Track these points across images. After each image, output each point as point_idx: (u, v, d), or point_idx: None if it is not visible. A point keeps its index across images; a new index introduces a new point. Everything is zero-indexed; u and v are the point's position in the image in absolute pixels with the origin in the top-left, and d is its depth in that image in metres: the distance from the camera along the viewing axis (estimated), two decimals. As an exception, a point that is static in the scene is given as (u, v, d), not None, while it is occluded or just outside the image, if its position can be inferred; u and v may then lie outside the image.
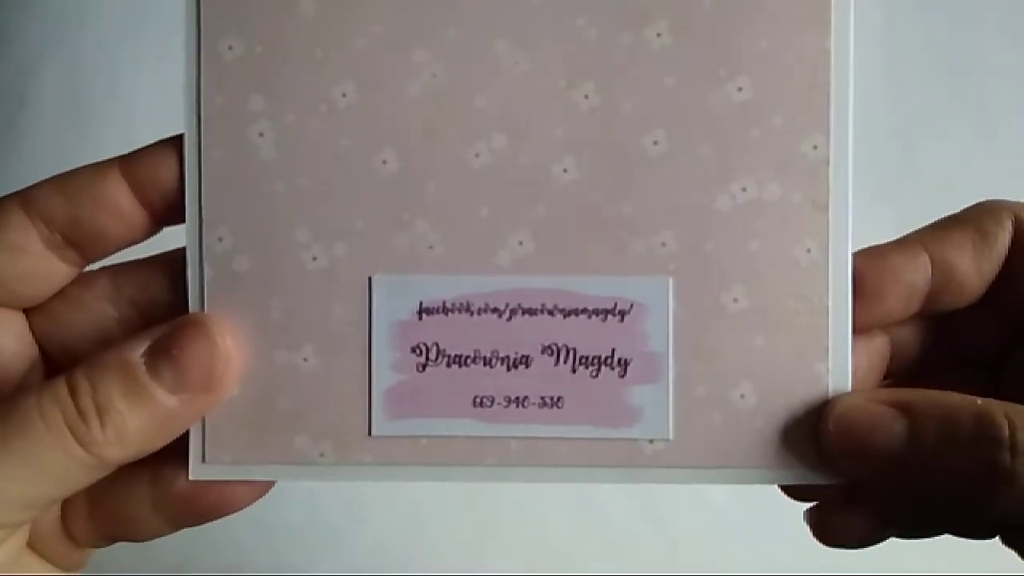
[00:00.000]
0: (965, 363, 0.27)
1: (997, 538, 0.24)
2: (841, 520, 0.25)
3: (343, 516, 0.48)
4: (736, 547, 0.46)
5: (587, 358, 0.24)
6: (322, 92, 0.24)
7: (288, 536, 0.48)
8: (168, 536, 0.46)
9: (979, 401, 0.22)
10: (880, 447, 0.22)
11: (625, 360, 0.24)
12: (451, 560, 0.48)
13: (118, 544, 0.47)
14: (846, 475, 0.24)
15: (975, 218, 0.25)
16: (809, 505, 0.26)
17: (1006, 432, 0.21)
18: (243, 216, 0.24)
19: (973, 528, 0.25)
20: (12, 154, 0.48)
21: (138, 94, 0.48)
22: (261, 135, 0.24)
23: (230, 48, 0.24)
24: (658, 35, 0.24)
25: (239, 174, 0.24)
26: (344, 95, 0.24)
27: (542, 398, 0.24)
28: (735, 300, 0.24)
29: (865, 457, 0.23)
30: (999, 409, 0.22)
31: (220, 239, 0.24)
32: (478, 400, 0.24)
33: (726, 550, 0.47)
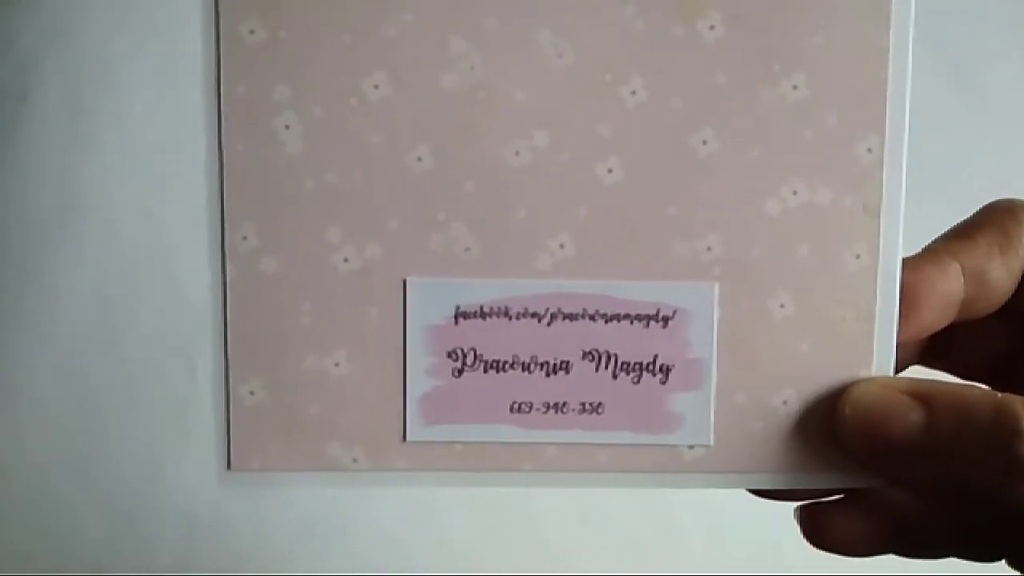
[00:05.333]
0: (971, 367, 0.26)
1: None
2: (834, 519, 0.25)
3: (342, 516, 0.48)
4: (737, 547, 0.47)
5: (628, 364, 0.23)
6: (352, 83, 0.22)
7: (287, 536, 0.47)
8: (168, 536, 0.46)
9: (999, 395, 0.22)
10: (896, 436, 0.22)
11: (667, 367, 0.23)
12: (451, 560, 0.48)
13: (118, 544, 0.46)
14: (859, 462, 0.23)
15: (996, 220, 0.25)
16: (801, 503, 0.26)
17: None
18: (269, 214, 0.23)
19: (981, 545, 0.25)
20: (13, 151, 0.47)
21: (139, 91, 0.46)
22: (287, 128, 0.23)
23: (252, 32, 0.22)
24: (711, 28, 0.22)
25: (264, 169, 0.23)
26: (376, 87, 0.23)
27: (582, 404, 0.23)
28: (781, 306, 0.23)
29: (880, 445, 0.23)
30: (1018, 401, 0.22)
31: (244, 238, 0.23)
32: (516, 406, 0.23)
33: (727, 550, 0.47)
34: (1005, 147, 0.49)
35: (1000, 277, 0.24)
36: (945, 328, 0.25)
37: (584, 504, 0.48)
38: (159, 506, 0.47)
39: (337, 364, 0.23)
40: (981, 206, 0.25)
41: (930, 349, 0.26)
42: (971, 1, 0.48)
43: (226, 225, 0.23)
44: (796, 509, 0.25)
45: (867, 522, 0.25)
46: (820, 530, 0.25)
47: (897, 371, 0.24)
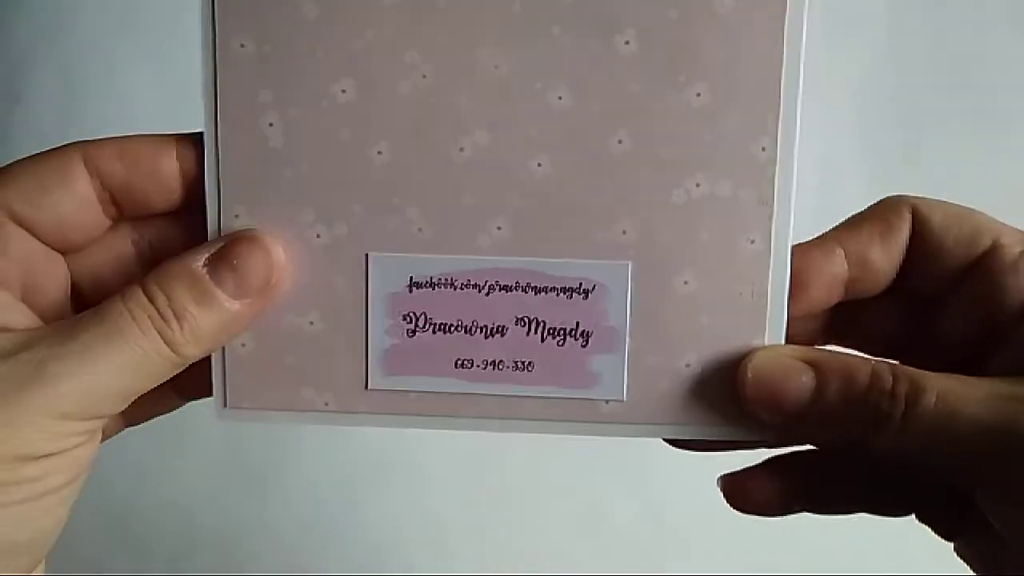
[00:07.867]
0: (872, 344, 0.30)
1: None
2: (749, 483, 0.29)
3: (342, 515, 0.48)
4: (736, 547, 0.47)
5: (555, 329, 0.28)
6: (323, 88, 0.27)
7: (287, 535, 0.48)
8: (166, 534, 0.44)
9: (874, 360, 0.26)
10: (791, 396, 0.26)
11: (587, 332, 0.27)
12: (451, 559, 0.48)
13: (117, 542, 0.45)
14: (759, 420, 0.27)
15: (880, 213, 0.28)
16: (723, 472, 0.29)
17: (890, 384, 0.25)
18: (256, 196, 0.27)
19: (886, 501, 0.28)
20: (6, 150, 0.46)
21: (133, 90, 0.47)
22: (271, 125, 0.27)
23: (242, 46, 0.27)
24: (626, 43, 0.26)
25: (252, 159, 0.27)
26: (343, 91, 0.27)
27: (515, 362, 0.28)
28: (685, 283, 0.27)
29: (777, 404, 0.26)
30: (888, 367, 0.26)
31: (236, 216, 0.28)
32: (460, 362, 0.28)
33: (726, 551, 0.48)
34: (1009, 144, 0.49)
35: (880, 260, 0.27)
36: (849, 309, 0.28)
37: (584, 504, 0.49)
38: (154, 504, 0.47)
39: (311, 323, 0.28)
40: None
41: (836, 328, 0.30)
42: (973, 1, 0.48)
43: (222, 205, 0.28)
44: (718, 478, 0.29)
45: (779, 483, 0.29)
46: (739, 494, 0.29)
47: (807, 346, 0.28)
